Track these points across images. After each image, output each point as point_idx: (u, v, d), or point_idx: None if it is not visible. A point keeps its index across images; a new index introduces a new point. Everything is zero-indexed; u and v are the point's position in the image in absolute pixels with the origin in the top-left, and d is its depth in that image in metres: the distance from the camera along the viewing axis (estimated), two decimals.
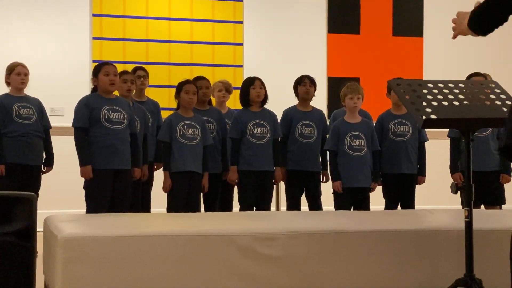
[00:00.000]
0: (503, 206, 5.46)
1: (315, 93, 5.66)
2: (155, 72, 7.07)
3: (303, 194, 5.54)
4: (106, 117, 4.83)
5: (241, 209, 5.25)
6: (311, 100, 5.63)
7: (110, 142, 4.81)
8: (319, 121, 5.55)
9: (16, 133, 5.30)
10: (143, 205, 5.38)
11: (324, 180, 5.55)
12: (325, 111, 7.31)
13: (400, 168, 5.39)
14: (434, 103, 2.91)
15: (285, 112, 5.61)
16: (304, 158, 5.43)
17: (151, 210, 5.55)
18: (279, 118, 5.51)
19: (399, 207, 5.45)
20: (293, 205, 5.45)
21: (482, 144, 5.28)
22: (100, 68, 4.94)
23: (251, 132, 5.30)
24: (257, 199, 5.28)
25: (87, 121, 4.83)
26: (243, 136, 5.30)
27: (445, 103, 2.93)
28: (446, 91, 2.99)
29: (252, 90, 5.36)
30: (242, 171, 5.27)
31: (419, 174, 5.48)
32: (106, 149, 4.80)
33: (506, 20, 2.43)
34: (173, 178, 5.06)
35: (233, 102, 6.45)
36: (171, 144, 5.09)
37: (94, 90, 5.02)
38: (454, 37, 2.68)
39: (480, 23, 2.49)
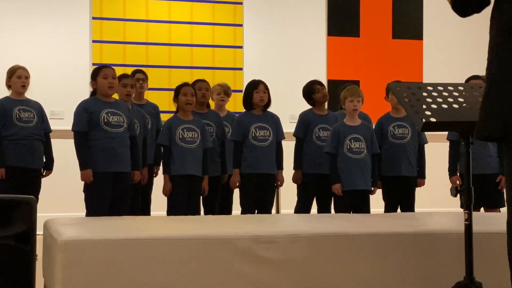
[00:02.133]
0: (502, 209, 5.45)
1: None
2: (155, 75, 7.07)
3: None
4: (105, 120, 4.83)
5: (242, 212, 5.25)
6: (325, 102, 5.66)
7: (109, 145, 4.82)
8: (335, 124, 5.55)
9: (17, 136, 5.30)
10: (143, 208, 5.38)
11: None
12: None
13: (400, 170, 5.39)
14: (434, 106, 2.91)
15: (302, 115, 5.60)
16: (321, 161, 5.43)
17: (151, 213, 5.55)
18: (281, 121, 5.51)
19: (399, 210, 5.45)
20: (304, 208, 5.44)
21: (481, 147, 5.28)
22: (98, 71, 4.94)
23: (253, 135, 5.30)
24: (258, 202, 5.28)
25: (87, 125, 4.83)
26: (245, 139, 5.31)
27: (444, 106, 2.92)
28: (445, 94, 2.99)
29: (256, 94, 5.36)
30: (244, 174, 5.28)
31: (419, 176, 5.48)
32: (106, 152, 4.81)
33: (487, 3, 2.37)
34: (173, 181, 5.06)
35: (233, 105, 6.45)
36: (171, 147, 5.09)
37: (93, 93, 5.03)
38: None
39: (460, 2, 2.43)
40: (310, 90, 5.61)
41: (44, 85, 6.94)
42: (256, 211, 5.28)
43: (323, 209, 5.48)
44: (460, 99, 2.98)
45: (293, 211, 5.52)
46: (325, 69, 8.01)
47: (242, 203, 5.31)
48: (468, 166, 2.95)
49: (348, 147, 5.22)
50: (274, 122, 5.41)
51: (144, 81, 5.78)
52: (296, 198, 5.55)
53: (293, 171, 5.53)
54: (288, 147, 5.58)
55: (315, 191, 5.50)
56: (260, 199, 5.29)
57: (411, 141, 5.44)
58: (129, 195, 4.93)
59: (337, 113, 5.83)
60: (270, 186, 5.37)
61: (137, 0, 7.58)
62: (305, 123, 5.53)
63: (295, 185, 5.55)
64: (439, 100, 2.95)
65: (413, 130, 5.41)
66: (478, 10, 2.35)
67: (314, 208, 5.57)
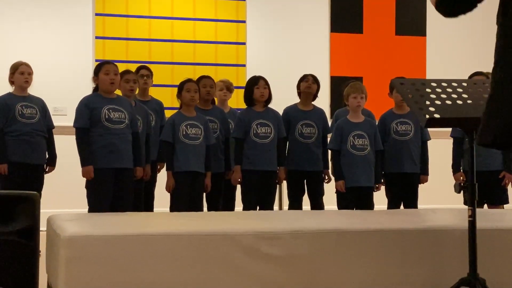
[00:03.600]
0: (506, 206, 5.45)
1: (318, 94, 5.65)
2: (158, 72, 7.05)
3: (305, 194, 5.54)
4: (107, 116, 4.83)
5: (244, 209, 5.25)
6: (314, 99, 5.62)
7: (110, 141, 4.81)
8: (320, 120, 5.53)
9: (19, 132, 5.31)
10: (146, 205, 5.38)
11: (327, 179, 5.53)
12: (327, 111, 7.30)
13: (403, 167, 5.39)
14: (438, 102, 2.90)
15: (285, 111, 5.60)
16: (304, 158, 5.42)
17: (154, 209, 5.55)
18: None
19: (402, 206, 5.45)
20: (294, 205, 5.45)
21: None
22: (100, 67, 4.94)
23: (254, 131, 5.29)
24: (260, 199, 5.28)
25: (88, 121, 4.83)
26: (247, 136, 5.30)
27: (448, 102, 2.92)
28: (449, 90, 2.98)
29: (256, 89, 5.36)
30: (245, 170, 5.27)
31: (422, 173, 5.47)
32: (107, 148, 4.80)
33: (474, 5, 2.36)
34: (176, 177, 5.06)
35: (235, 101, 6.45)
36: (174, 144, 5.09)
37: (95, 89, 5.02)
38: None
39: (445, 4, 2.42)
40: (301, 79, 5.60)
41: (47, 81, 6.94)
42: (257, 208, 5.28)
43: (316, 205, 5.46)
44: (464, 95, 2.97)
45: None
46: (328, 66, 7.99)
47: (243, 200, 5.31)
48: (472, 162, 2.95)
49: (351, 143, 5.21)
50: (276, 119, 5.40)
51: (149, 77, 5.77)
52: None
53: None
54: None
55: (303, 187, 5.49)
56: (262, 196, 5.28)
57: (414, 137, 5.43)
58: (131, 192, 4.92)
59: (341, 110, 5.82)
60: (272, 183, 5.36)
61: None
62: (286, 119, 5.51)
63: None
64: (443, 96, 2.95)
65: (416, 126, 5.41)
66: (464, 12, 2.34)
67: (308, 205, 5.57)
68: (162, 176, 5.28)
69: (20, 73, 5.40)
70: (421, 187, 5.51)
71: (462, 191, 2.95)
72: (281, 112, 5.53)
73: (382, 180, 5.40)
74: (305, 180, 5.49)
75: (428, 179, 5.51)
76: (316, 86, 5.57)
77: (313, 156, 5.44)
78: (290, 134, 5.49)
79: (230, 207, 5.48)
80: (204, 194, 5.23)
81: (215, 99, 5.69)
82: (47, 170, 5.50)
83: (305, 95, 5.57)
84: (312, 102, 5.63)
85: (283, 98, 5.86)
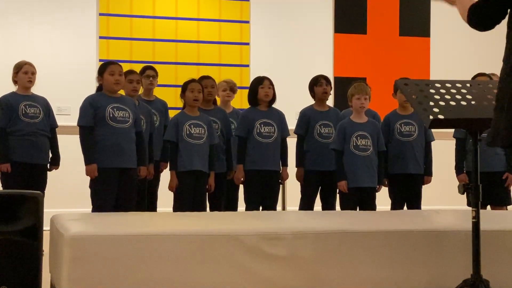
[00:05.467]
0: (509, 207, 5.44)
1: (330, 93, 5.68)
2: (162, 72, 7.04)
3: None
4: (111, 115, 4.83)
5: (247, 209, 5.25)
6: (327, 100, 5.65)
7: (115, 140, 4.82)
8: (337, 120, 5.54)
9: (22, 132, 5.31)
10: (149, 204, 5.38)
11: None
12: None
13: (407, 168, 5.38)
14: (442, 103, 2.90)
15: (303, 112, 5.59)
16: (323, 158, 5.42)
17: (157, 209, 5.55)
18: (286, 117, 5.50)
19: (405, 207, 5.44)
20: (307, 205, 5.43)
21: None
22: (105, 67, 4.94)
23: (258, 131, 5.29)
24: (263, 199, 5.28)
25: (92, 120, 4.83)
26: (250, 135, 5.30)
27: (452, 103, 2.92)
28: (453, 91, 2.98)
29: (261, 89, 5.36)
30: (249, 170, 5.27)
31: (426, 174, 5.46)
32: (111, 147, 4.81)
33: (505, 14, 2.42)
34: (179, 177, 5.06)
35: (239, 101, 6.45)
36: (178, 143, 5.09)
37: (99, 89, 5.03)
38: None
39: (479, 19, 2.47)
40: (314, 82, 5.60)
41: (51, 81, 6.95)
42: (260, 208, 5.28)
43: (327, 206, 5.47)
44: (468, 96, 2.97)
45: (298, 207, 5.52)
46: (331, 66, 8.00)
47: (246, 200, 5.31)
48: (476, 163, 2.94)
49: (354, 144, 5.20)
50: (279, 118, 5.40)
51: (154, 78, 5.76)
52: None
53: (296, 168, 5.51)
54: (294, 144, 5.57)
55: (318, 188, 5.49)
56: (264, 196, 5.28)
57: (418, 138, 5.42)
58: (135, 191, 4.92)
59: (346, 111, 5.81)
60: (275, 183, 5.36)
61: None
62: (305, 120, 5.52)
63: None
64: (447, 97, 2.94)
65: (420, 127, 5.40)
66: (499, 22, 2.39)
67: (319, 205, 5.56)
68: (166, 176, 5.28)
69: (24, 72, 5.40)
70: (424, 188, 5.50)
71: (465, 192, 2.94)
72: (285, 112, 5.53)
73: (385, 181, 5.39)
74: (321, 180, 5.47)
75: (431, 180, 5.51)
76: (330, 88, 5.60)
77: (332, 156, 5.40)
78: (308, 135, 5.49)
79: (232, 207, 5.48)
80: (207, 194, 5.23)
81: (217, 99, 5.69)
82: (50, 169, 5.49)
83: (320, 98, 5.57)
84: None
85: (287, 98, 5.86)
